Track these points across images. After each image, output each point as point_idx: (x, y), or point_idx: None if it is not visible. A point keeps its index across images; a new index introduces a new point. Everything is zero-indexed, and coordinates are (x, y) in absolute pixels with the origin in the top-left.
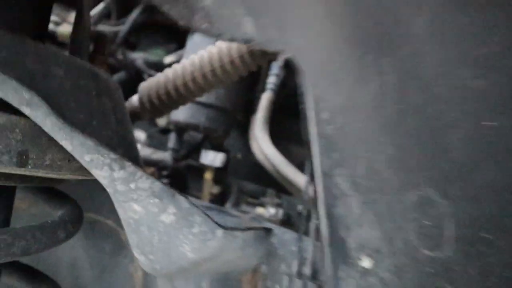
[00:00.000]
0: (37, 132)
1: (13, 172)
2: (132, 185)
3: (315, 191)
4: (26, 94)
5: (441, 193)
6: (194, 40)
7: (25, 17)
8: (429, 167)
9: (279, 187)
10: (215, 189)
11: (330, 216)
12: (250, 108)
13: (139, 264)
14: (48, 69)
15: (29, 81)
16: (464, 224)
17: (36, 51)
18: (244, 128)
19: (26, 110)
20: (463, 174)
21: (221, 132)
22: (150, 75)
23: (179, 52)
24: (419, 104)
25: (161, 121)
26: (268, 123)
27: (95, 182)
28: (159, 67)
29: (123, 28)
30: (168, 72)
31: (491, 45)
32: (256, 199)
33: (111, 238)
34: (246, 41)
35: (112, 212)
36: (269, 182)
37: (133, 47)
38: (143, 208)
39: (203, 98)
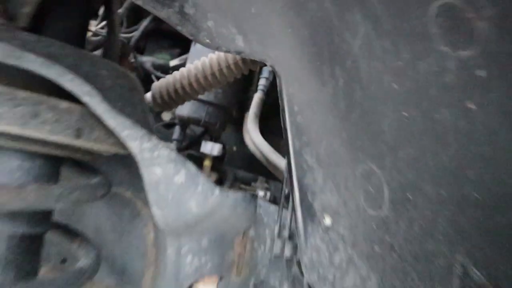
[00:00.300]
0: (88, 115)
1: (72, 143)
2: (155, 153)
3: (289, 166)
4: (87, 88)
5: (379, 166)
6: (196, 47)
7: (76, 30)
8: (369, 146)
9: (268, 174)
10: (213, 176)
11: (300, 185)
12: (244, 106)
13: (151, 227)
14: (96, 71)
15: (85, 79)
16: (395, 188)
17: (88, 58)
18: (238, 124)
19: (86, 99)
20: (392, 151)
21: (219, 126)
22: (157, 76)
23: (183, 57)
24: (359, 100)
25: (166, 117)
26: (258, 119)
27: (117, 161)
28: (165, 69)
29: (135, 34)
30: (176, 74)
31: (402, 60)
32: (248, 185)
33: (129, 207)
34: (238, 53)
35: (130, 185)
36: (259, 171)
37: (141, 52)
38: (162, 171)
39: (204, 96)
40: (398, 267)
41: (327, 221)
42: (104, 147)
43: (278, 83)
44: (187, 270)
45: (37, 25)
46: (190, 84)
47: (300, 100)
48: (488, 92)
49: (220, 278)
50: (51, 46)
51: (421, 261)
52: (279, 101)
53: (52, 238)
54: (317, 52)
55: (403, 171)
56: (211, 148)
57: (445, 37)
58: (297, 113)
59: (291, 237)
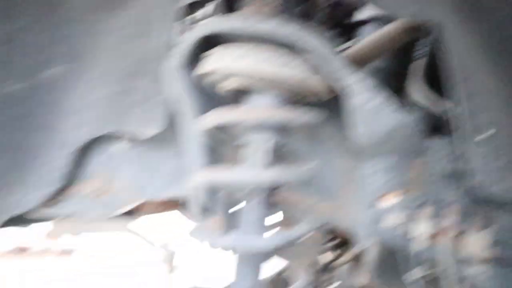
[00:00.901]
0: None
1: (306, 80)
2: (361, 84)
3: (458, 99)
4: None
5: None
6: (365, 29)
7: None
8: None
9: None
10: None
11: (467, 109)
12: (407, 72)
13: (346, 155)
14: None
15: None
16: None
17: None
18: (403, 87)
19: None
20: None
21: (391, 88)
22: None
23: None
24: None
25: None
26: (422, 78)
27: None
28: None
29: None
30: (357, 46)
31: None
32: None
33: (325, 144)
34: (410, 16)
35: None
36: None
37: None
38: (365, 97)
39: (376, 63)
40: None
41: (490, 132)
42: (321, 86)
43: (440, 42)
44: (377, 185)
45: None
46: (367, 54)
47: (459, 55)
48: None
49: (403, 193)
50: None
51: None
52: (442, 58)
53: None
54: (466, 17)
55: None
56: None
57: None
58: (458, 64)
59: (459, 157)
